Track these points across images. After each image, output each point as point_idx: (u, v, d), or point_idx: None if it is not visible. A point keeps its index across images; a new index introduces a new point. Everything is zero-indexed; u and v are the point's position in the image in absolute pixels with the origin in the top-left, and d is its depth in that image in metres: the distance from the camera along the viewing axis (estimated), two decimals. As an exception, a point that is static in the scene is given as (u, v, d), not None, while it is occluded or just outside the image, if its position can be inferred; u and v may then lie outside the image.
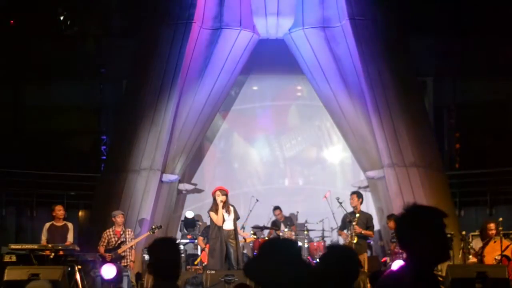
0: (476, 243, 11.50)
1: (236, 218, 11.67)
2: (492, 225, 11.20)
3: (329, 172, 15.68)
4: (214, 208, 11.51)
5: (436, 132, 14.87)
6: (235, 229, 11.55)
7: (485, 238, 11.22)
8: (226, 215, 11.47)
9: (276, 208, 13.80)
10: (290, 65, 14.58)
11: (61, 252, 11.13)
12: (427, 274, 3.28)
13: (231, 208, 11.60)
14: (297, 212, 14.40)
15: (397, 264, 10.30)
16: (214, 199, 11.57)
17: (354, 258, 3.81)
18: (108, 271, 10.46)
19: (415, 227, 3.26)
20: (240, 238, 12.26)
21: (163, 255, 3.82)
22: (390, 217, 12.38)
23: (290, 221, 13.85)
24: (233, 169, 15.84)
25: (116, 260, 11.44)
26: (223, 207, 11.43)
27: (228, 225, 11.49)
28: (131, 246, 11.82)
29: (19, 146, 16.04)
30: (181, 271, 4.17)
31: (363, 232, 12.19)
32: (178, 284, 3.90)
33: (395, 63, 13.72)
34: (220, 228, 11.39)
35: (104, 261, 11.29)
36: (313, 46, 13.91)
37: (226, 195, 11.57)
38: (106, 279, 10.44)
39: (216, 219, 11.41)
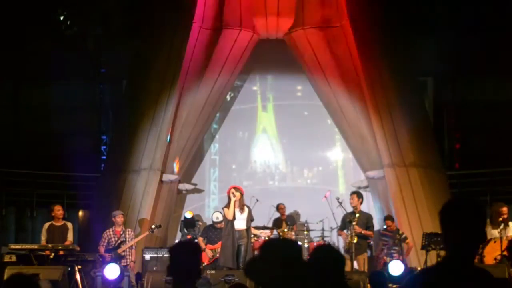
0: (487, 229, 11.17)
1: (251, 219, 11.69)
2: (505, 209, 10.88)
3: (329, 172, 15.69)
4: (228, 204, 11.59)
5: (436, 132, 14.85)
6: (248, 230, 11.58)
7: (496, 223, 10.83)
8: (238, 213, 11.51)
9: (280, 204, 13.77)
10: (290, 65, 14.59)
11: (61, 252, 11.14)
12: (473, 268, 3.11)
13: (246, 209, 11.64)
14: (297, 212, 14.40)
15: (395, 265, 10.32)
16: (229, 197, 11.64)
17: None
18: (112, 271, 10.44)
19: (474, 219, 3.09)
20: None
21: (182, 257, 3.92)
22: (388, 218, 12.47)
23: (291, 220, 13.84)
24: (232, 169, 15.84)
25: (116, 260, 11.43)
26: (237, 206, 11.48)
27: (240, 224, 11.51)
28: (131, 246, 11.82)
29: (19, 146, 16.02)
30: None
31: (363, 232, 12.19)
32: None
33: (395, 63, 13.71)
34: (232, 225, 11.43)
35: (105, 261, 11.28)
36: (313, 46, 13.92)
37: (241, 194, 11.64)
38: (110, 279, 10.40)
39: (227, 212, 11.47)
